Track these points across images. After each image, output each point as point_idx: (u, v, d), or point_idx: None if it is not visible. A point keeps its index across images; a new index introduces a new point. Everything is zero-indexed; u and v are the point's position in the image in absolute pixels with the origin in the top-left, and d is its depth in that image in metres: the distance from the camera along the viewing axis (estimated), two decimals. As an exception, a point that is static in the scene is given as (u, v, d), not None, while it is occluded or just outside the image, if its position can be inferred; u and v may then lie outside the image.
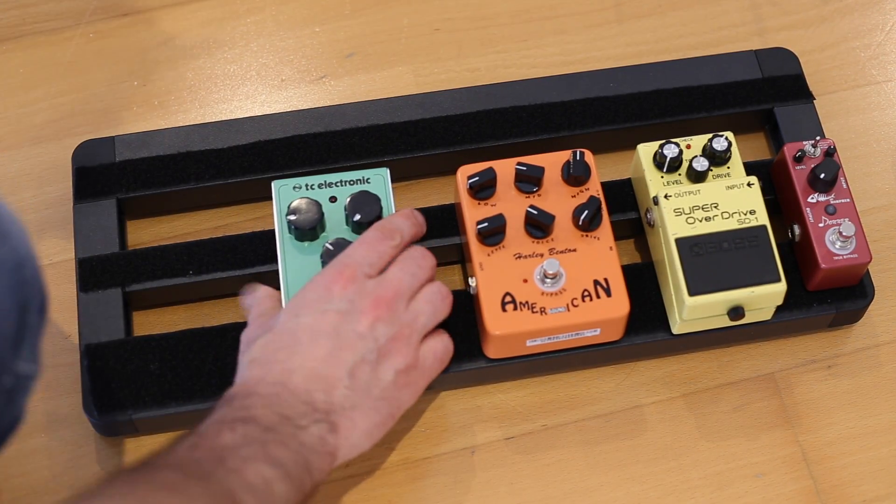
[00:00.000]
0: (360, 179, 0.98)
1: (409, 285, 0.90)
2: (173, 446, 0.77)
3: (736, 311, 0.93)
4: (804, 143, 0.99)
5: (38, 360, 0.72)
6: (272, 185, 0.98)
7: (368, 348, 0.86)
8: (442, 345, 0.92)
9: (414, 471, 0.96)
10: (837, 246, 0.96)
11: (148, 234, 1.04)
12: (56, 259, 1.03)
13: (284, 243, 0.95)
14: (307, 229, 0.94)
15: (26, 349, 0.71)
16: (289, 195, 0.97)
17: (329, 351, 0.85)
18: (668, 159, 0.97)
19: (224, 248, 1.00)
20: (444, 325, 0.93)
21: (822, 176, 0.97)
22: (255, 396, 0.82)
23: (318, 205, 0.95)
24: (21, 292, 0.69)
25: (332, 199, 0.97)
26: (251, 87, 1.13)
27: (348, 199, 0.95)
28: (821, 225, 0.97)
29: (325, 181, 0.98)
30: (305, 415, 0.82)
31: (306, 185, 0.97)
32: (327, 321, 0.86)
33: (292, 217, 0.94)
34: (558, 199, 0.96)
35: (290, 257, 0.95)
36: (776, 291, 0.93)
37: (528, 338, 0.93)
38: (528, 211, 0.94)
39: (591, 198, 0.95)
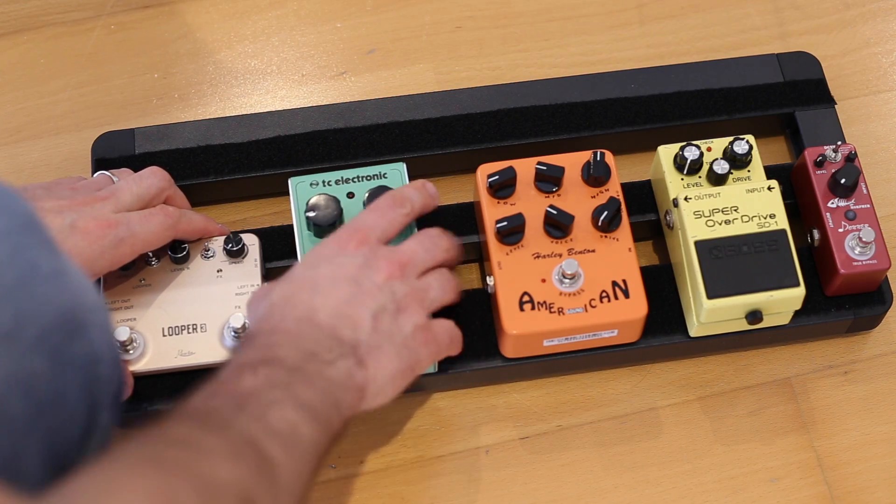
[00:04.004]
0: (377, 175, 0.98)
1: (421, 259, 0.89)
2: (191, 397, 0.74)
3: (754, 315, 0.93)
4: (825, 147, 0.99)
5: None
6: (289, 181, 0.98)
7: (387, 299, 0.85)
8: (454, 328, 0.91)
9: (428, 469, 0.96)
10: (857, 251, 0.96)
11: (166, 226, 1.04)
12: (74, 250, 1.03)
13: (303, 240, 0.95)
14: (326, 226, 0.94)
15: (93, 447, 0.67)
16: (306, 192, 0.97)
17: (351, 294, 0.84)
18: (688, 161, 0.97)
19: (242, 243, 0.99)
20: (461, 323, 0.93)
21: (843, 181, 0.96)
22: (280, 333, 0.80)
23: (337, 201, 0.95)
24: (94, 391, 0.66)
25: (350, 195, 0.97)
26: (272, 81, 1.13)
27: (366, 194, 0.95)
28: (840, 230, 0.96)
29: (343, 177, 0.98)
30: (332, 349, 0.80)
31: (323, 182, 0.97)
32: (345, 271, 0.85)
33: (311, 213, 0.94)
34: (578, 200, 0.96)
35: (309, 253, 0.95)
36: (795, 296, 0.93)
37: (545, 338, 0.93)
38: (547, 211, 0.94)
39: (611, 199, 0.95)
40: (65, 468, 0.62)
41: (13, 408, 0.61)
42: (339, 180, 0.98)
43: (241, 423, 0.71)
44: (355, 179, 0.98)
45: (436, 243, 0.91)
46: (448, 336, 0.90)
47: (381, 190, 0.95)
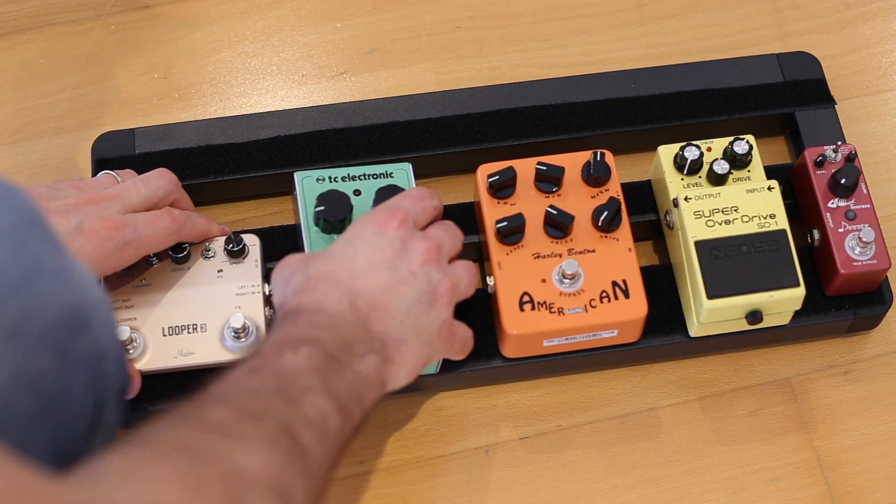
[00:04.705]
0: (383, 173, 0.98)
1: (448, 246, 0.90)
2: (231, 372, 0.74)
3: (754, 315, 0.93)
4: (825, 147, 0.99)
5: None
6: (294, 176, 0.98)
7: (423, 288, 0.85)
8: (470, 337, 0.92)
9: (428, 469, 0.96)
10: (857, 251, 0.96)
11: (166, 226, 1.04)
12: (74, 250, 1.03)
13: (311, 235, 0.95)
14: (336, 221, 0.94)
15: (98, 443, 0.67)
16: (312, 187, 0.97)
17: (388, 283, 0.84)
18: (688, 161, 0.97)
19: (242, 243, 0.99)
20: (464, 320, 0.94)
21: (843, 181, 0.96)
22: (323, 315, 0.80)
23: (347, 197, 0.95)
24: (99, 387, 0.66)
25: (357, 193, 0.97)
26: (272, 81, 1.13)
27: (376, 193, 0.95)
28: (840, 230, 0.96)
29: (349, 174, 0.98)
30: (365, 342, 0.80)
31: (330, 178, 0.97)
32: (383, 255, 0.85)
33: (322, 208, 0.94)
34: (578, 200, 0.96)
35: (317, 249, 0.94)
36: (795, 296, 0.93)
37: (546, 338, 0.93)
38: (547, 211, 0.94)
39: (611, 199, 0.95)
40: (70, 464, 0.62)
41: (19, 404, 0.61)
42: (345, 177, 0.98)
43: (277, 409, 0.71)
44: (362, 177, 0.98)
45: (455, 233, 0.92)
46: (462, 341, 0.90)
47: (390, 190, 0.95)
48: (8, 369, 0.61)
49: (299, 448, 0.69)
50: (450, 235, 0.91)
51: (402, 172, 0.98)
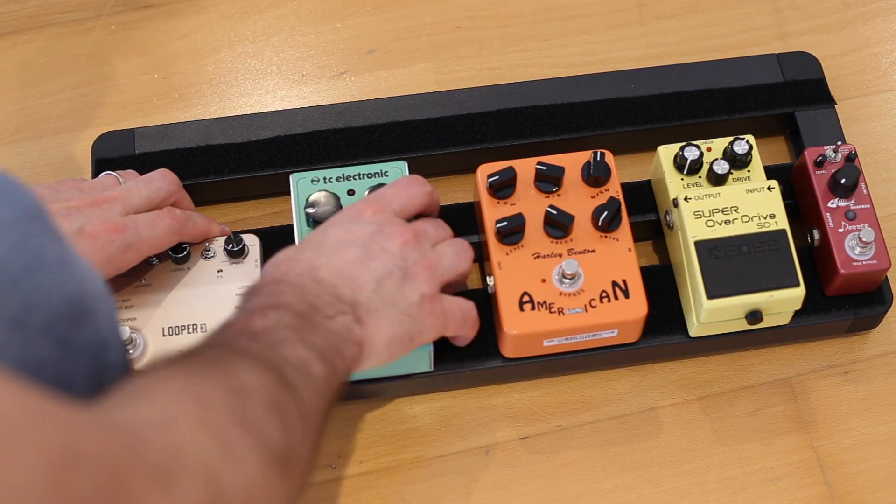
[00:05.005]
0: (378, 172, 0.98)
1: (433, 233, 0.90)
2: (202, 339, 0.75)
3: (754, 315, 0.93)
4: (825, 147, 0.99)
5: None
6: (290, 178, 0.98)
7: (395, 264, 0.86)
8: (469, 309, 0.91)
9: (428, 468, 0.96)
10: (857, 251, 0.96)
11: (166, 226, 1.04)
12: (74, 250, 1.03)
13: (303, 236, 0.95)
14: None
15: None
16: (307, 188, 0.97)
17: (356, 258, 0.85)
18: (688, 161, 0.97)
19: (242, 243, 0.99)
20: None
21: (843, 181, 0.96)
22: (285, 284, 0.81)
23: (337, 197, 0.95)
24: (101, 378, 0.66)
25: (351, 192, 0.97)
26: (271, 81, 1.13)
27: (367, 192, 0.96)
28: (840, 230, 0.96)
29: (343, 174, 0.98)
30: (332, 305, 0.81)
31: (324, 179, 0.98)
32: (355, 235, 0.86)
33: (311, 210, 0.95)
34: (578, 200, 0.96)
35: (309, 252, 0.95)
36: (795, 296, 0.93)
37: (545, 338, 0.93)
38: (547, 211, 0.94)
39: (611, 199, 0.95)
40: None
41: None
42: (339, 177, 0.98)
43: (258, 350, 0.73)
44: (356, 177, 0.98)
45: (444, 226, 0.93)
46: (461, 314, 0.90)
47: (380, 188, 0.96)
48: (9, 360, 0.61)
49: (286, 381, 0.71)
50: (435, 226, 0.92)
51: (397, 171, 0.98)
